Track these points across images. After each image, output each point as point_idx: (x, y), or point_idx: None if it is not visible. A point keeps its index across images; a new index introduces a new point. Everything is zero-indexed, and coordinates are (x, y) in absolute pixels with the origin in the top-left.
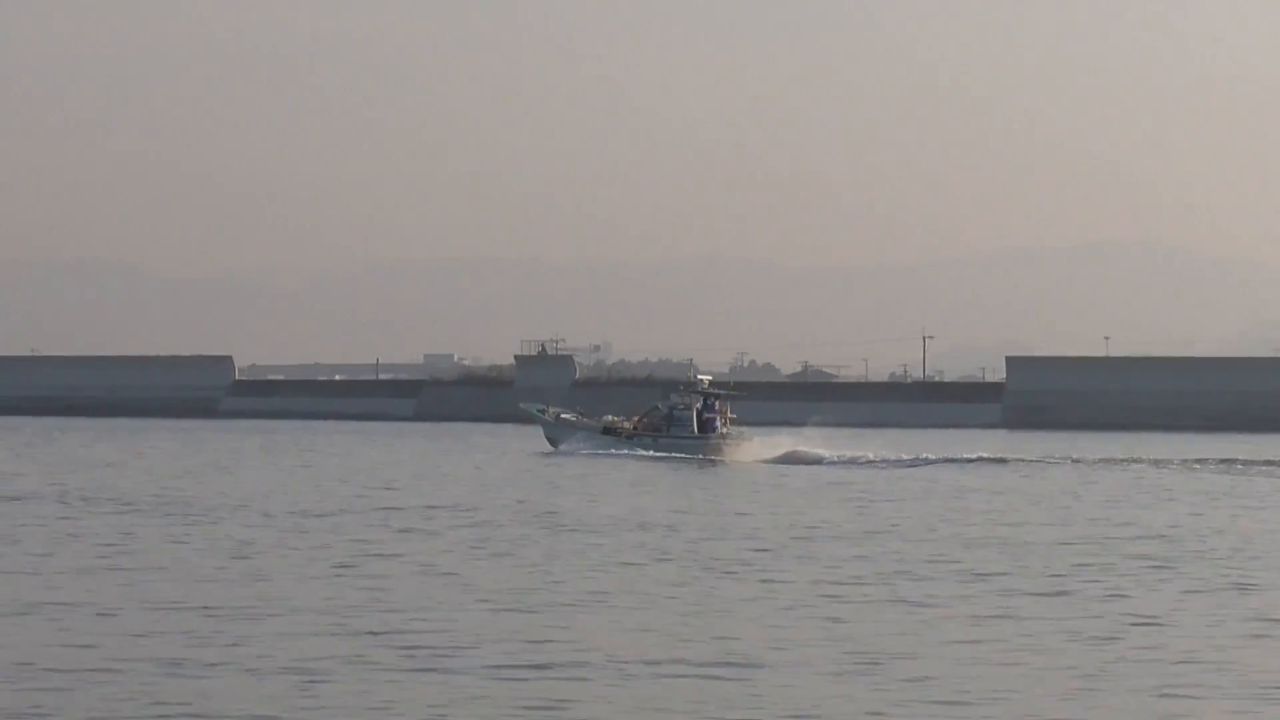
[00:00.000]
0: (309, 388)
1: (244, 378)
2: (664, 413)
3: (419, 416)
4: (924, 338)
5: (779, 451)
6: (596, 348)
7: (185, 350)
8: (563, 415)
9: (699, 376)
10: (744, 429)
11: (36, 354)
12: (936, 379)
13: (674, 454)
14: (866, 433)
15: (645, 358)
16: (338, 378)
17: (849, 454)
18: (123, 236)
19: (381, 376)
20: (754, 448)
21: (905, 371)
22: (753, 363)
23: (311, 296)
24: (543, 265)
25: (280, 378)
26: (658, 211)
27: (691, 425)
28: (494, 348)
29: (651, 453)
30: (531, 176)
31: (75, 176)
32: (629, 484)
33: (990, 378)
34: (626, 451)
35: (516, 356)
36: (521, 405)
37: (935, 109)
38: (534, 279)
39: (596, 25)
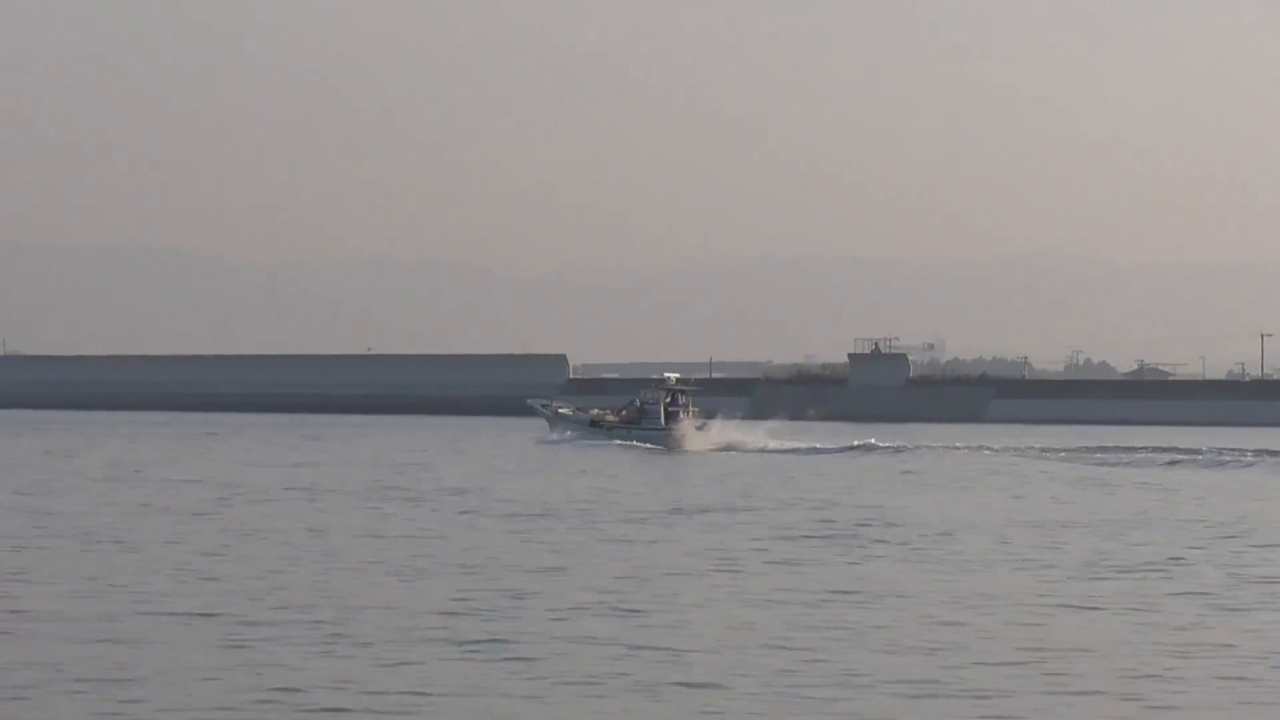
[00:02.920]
0: (642, 386)
1: (578, 376)
2: (638, 407)
3: (751, 415)
4: (1262, 335)
5: (724, 441)
6: (930, 346)
7: (521, 349)
8: (560, 409)
9: (666, 375)
10: (704, 421)
11: (374, 353)
12: (1276, 377)
13: (643, 443)
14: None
15: (979, 356)
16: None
17: (779, 444)
18: (462, 237)
19: (715, 375)
20: (708, 437)
21: (1243, 370)
22: (1088, 361)
23: (646, 295)
24: (878, 263)
25: (614, 376)
26: (994, 208)
27: (659, 418)
28: (828, 346)
29: (623, 442)
30: (863, 174)
31: (417, 180)
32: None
33: None
34: (603, 440)
35: (850, 355)
36: (528, 401)
37: (1266, 102)
38: (869, 277)
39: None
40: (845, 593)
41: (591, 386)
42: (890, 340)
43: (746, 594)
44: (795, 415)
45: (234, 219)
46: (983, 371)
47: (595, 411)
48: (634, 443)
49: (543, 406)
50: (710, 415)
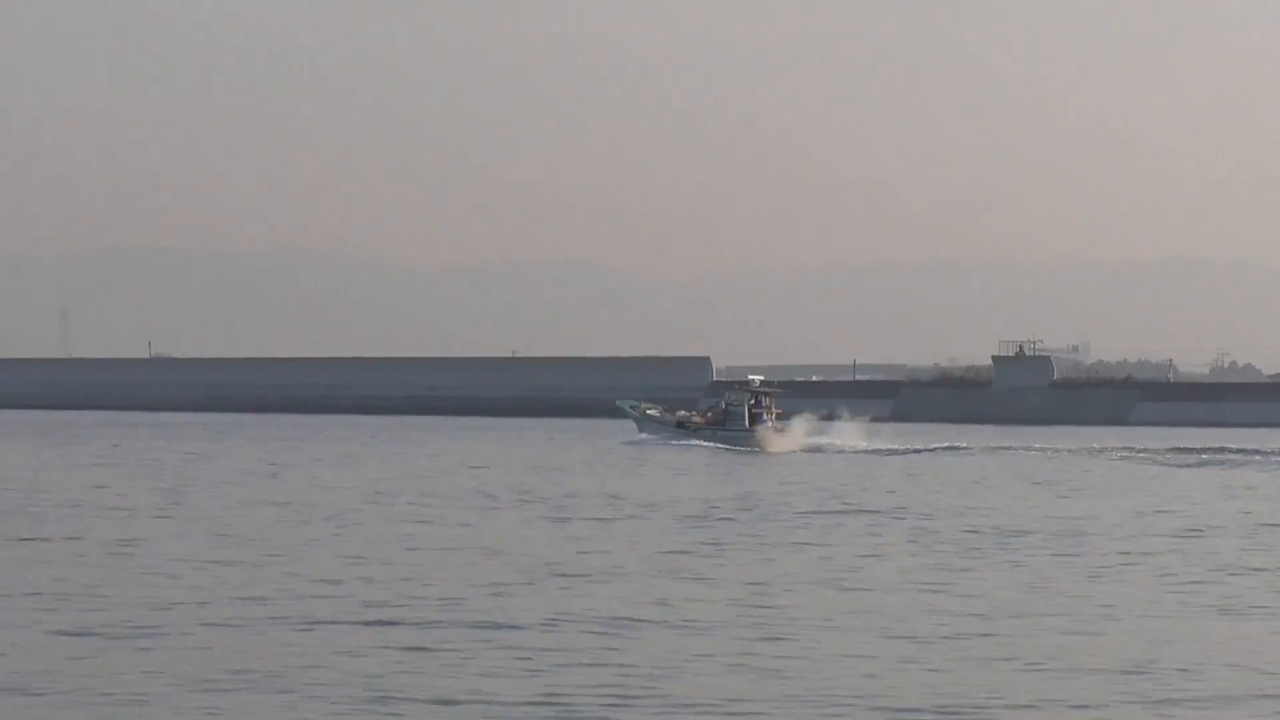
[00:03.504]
0: (785, 389)
1: (721, 378)
2: (723, 409)
3: (895, 417)
4: None
5: (809, 442)
6: (1074, 348)
7: (665, 351)
8: (649, 411)
9: (750, 377)
10: (786, 421)
11: (517, 355)
12: None
13: (727, 444)
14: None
15: (1124, 358)
16: (815, 378)
17: (861, 444)
18: (606, 240)
19: (859, 377)
20: (791, 438)
21: None
22: (1234, 364)
23: (790, 297)
24: (1022, 265)
25: (758, 379)
26: (1140, 211)
27: (744, 419)
28: (973, 348)
29: (708, 442)
30: (1008, 177)
31: (562, 183)
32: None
33: None
34: (691, 442)
35: (994, 357)
36: (617, 403)
37: None
38: (1013, 279)
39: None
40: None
41: (735, 389)
42: (1035, 342)
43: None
44: (938, 418)
45: (381, 221)
46: (1128, 374)
47: (682, 413)
48: (718, 444)
49: (631, 408)
50: (833, 417)
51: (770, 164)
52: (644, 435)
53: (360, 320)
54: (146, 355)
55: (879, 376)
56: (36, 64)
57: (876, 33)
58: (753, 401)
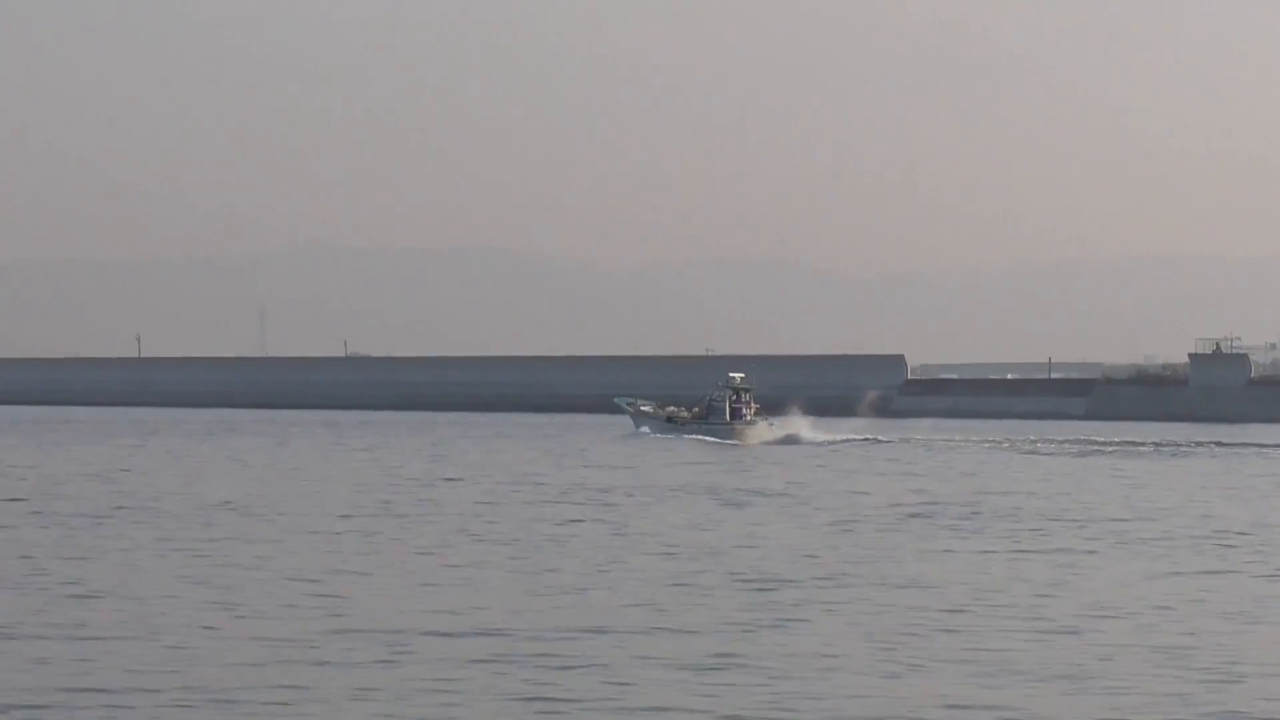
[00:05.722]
0: (979, 387)
1: (915, 377)
2: (707, 404)
3: (1090, 415)
4: None
5: (782, 434)
6: (1273, 346)
7: (859, 350)
8: (642, 407)
9: (731, 375)
10: (763, 416)
11: (712, 353)
12: None
13: (710, 437)
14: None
15: None
16: (1009, 376)
17: (825, 436)
18: (799, 236)
19: (1054, 375)
20: (768, 431)
21: None
22: None
23: (983, 295)
24: (1219, 262)
25: (952, 377)
26: None
27: (725, 414)
28: (1169, 346)
29: (694, 435)
30: (1205, 171)
31: (760, 180)
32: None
33: None
34: (677, 434)
35: (1191, 355)
36: (615, 400)
37: None
38: (1211, 276)
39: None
40: None
41: (929, 387)
42: (1232, 340)
43: None
44: (1133, 416)
45: (579, 221)
46: None
47: (671, 409)
48: (703, 436)
49: (627, 404)
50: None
51: (969, 162)
52: (642, 429)
53: (558, 319)
54: (342, 354)
55: (1074, 375)
56: (233, 66)
57: (1064, 36)
58: (734, 398)
